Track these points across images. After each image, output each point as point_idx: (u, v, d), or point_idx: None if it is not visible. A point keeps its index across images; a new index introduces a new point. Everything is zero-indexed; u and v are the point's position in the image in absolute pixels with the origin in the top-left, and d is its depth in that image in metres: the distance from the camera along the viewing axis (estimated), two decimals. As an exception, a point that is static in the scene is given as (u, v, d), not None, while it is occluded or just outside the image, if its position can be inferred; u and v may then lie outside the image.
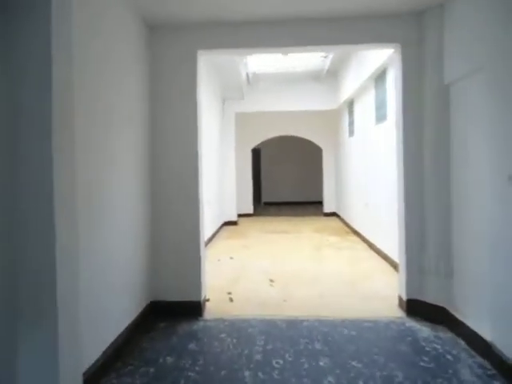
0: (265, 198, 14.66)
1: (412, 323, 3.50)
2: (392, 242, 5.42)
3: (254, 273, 5.24)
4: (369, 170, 6.71)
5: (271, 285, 4.68)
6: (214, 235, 7.83)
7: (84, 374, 2.37)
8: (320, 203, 13.42)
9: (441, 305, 3.47)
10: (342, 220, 9.65)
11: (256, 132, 10.97)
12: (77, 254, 2.18)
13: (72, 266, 2.11)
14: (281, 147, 14.25)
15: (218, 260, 5.97)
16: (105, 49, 2.86)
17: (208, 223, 7.09)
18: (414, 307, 3.64)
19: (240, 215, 10.61)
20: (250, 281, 4.87)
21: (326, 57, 7.44)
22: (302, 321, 3.59)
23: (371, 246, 6.59)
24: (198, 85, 3.82)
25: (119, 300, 3.10)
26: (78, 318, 2.16)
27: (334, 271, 5.22)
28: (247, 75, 8.40)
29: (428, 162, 3.57)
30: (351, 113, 8.20)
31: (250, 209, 11.02)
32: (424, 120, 3.59)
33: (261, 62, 7.66)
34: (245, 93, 9.28)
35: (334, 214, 10.74)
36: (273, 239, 7.70)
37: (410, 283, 3.68)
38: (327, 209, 10.90)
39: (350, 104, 8.22)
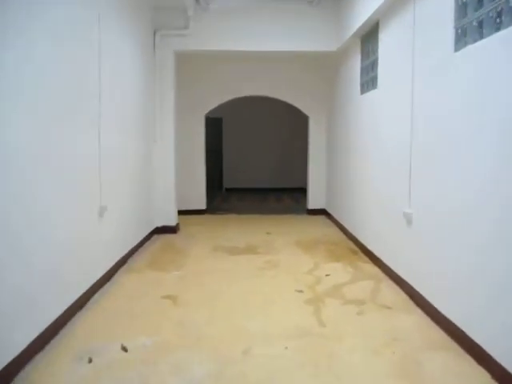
0: (227, 184, 11.22)
1: None
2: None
3: None
4: (423, 148, 3.36)
5: None
6: (120, 264, 4.32)
7: None
8: (301, 190, 10.22)
9: None
10: (338, 224, 6.37)
11: (211, 89, 7.37)
12: None
13: None
14: (250, 114, 10.76)
15: (90, 361, 2.50)
16: None
17: (100, 250, 3.56)
18: None
19: (187, 212, 7.15)
20: None
21: None
22: None
23: (419, 300, 3.32)
24: None
25: None
26: None
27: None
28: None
29: None
30: (370, 51, 4.78)
31: (201, 202, 7.53)
32: None
33: None
34: (191, 19, 5.66)
35: (322, 212, 7.45)
36: (227, 271, 4.27)
37: None
38: (313, 203, 7.58)
39: (370, 35, 4.79)
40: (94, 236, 3.53)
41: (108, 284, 3.80)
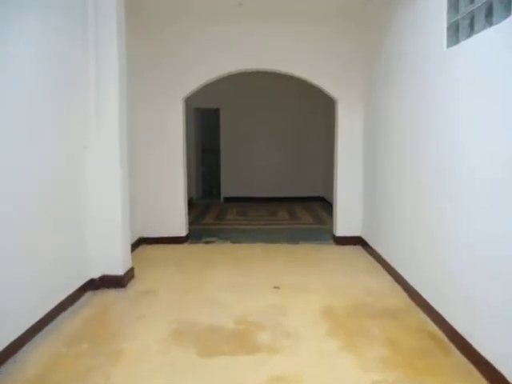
0: (226, 192, 8.90)
1: None
2: None
3: None
4: None
5: None
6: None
7: None
8: (319, 201, 8.00)
9: None
10: (387, 266, 3.94)
11: (192, 60, 5.00)
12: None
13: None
14: (255, 103, 8.46)
15: None
16: None
17: None
18: None
19: (159, 241, 4.90)
20: None
21: None
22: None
23: None
24: None
25: None
26: None
27: None
28: None
29: None
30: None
31: (180, 227, 5.16)
32: None
33: None
34: None
35: (357, 240, 5.06)
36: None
37: None
38: (343, 228, 5.15)
39: None
40: None
41: None
